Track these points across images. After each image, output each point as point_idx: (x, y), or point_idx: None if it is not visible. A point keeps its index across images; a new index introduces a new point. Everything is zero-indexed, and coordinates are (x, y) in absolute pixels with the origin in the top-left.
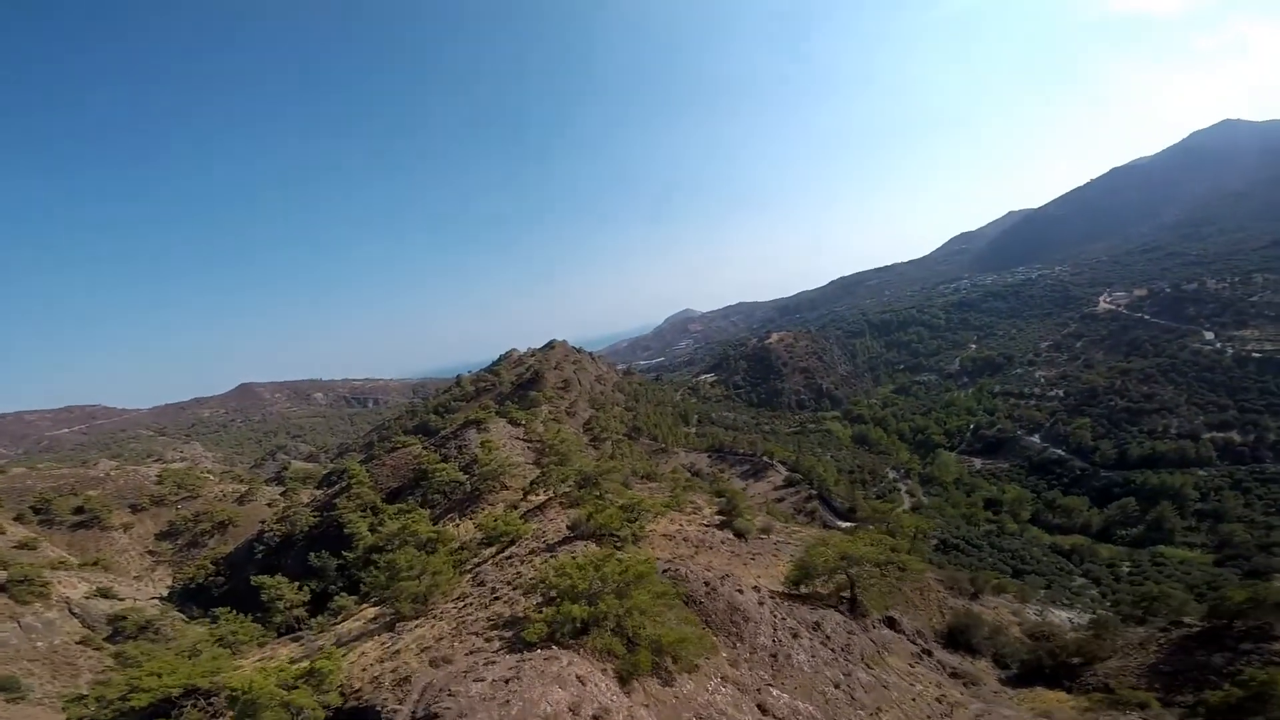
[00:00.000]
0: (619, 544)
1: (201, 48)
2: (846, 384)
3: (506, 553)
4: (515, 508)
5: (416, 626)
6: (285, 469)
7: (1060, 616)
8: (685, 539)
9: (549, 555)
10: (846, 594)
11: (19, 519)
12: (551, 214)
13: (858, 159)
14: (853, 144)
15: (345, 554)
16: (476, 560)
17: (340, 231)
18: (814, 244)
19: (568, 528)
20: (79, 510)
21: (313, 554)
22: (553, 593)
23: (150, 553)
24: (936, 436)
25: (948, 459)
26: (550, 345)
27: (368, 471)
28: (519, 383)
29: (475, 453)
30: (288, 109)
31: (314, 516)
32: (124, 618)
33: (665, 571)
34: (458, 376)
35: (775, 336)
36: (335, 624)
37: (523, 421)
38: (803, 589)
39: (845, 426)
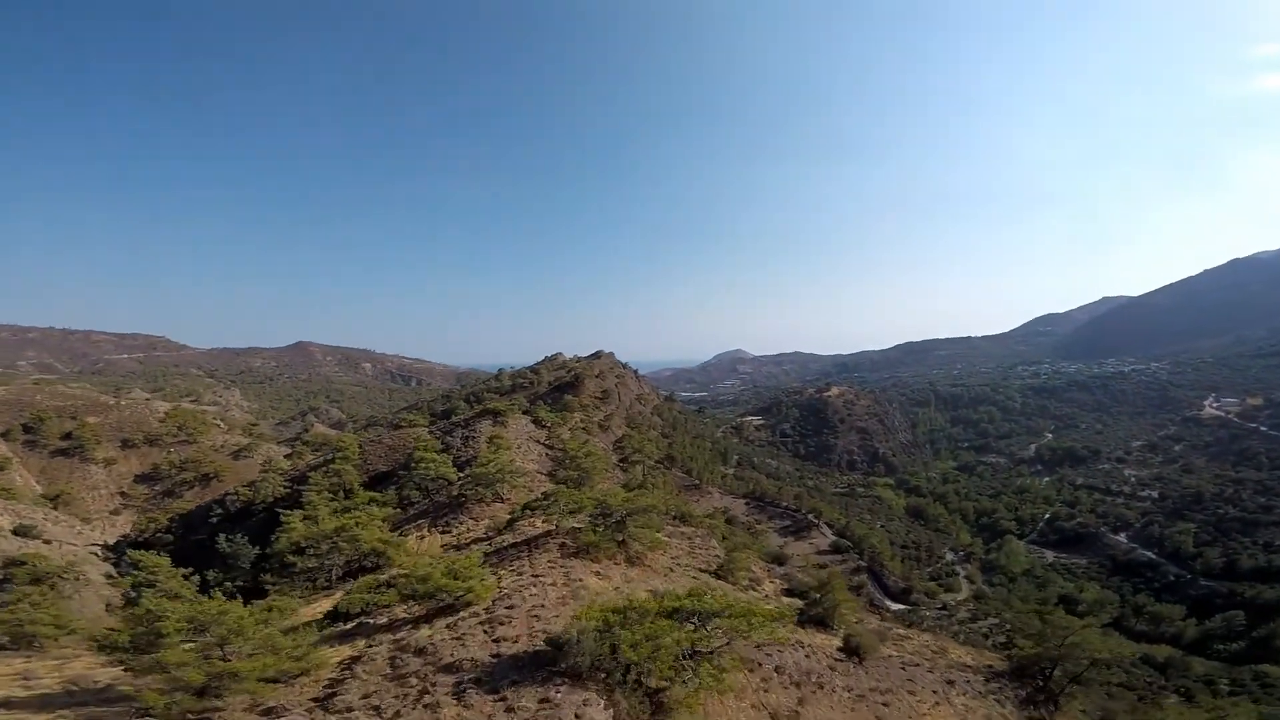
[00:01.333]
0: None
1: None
2: (905, 452)
3: (430, 632)
4: (500, 533)
5: None
6: (305, 431)
7: None
8: (778, 672)
9: (505, 693)
10: None
11: (5, 434)
12: (624, 226)
13: (946, 224)
14: (943, 208)
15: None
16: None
17: (431, 219)
18: (883, 303)
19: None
20: (67, 436)
21: (224, 536)
22: None
23: (123, 494)
24: (1006, 522)
25: (1017, 547)
26: (597, 354)
27: (360, 448)
28: (556, 384)
29: (479, 448)
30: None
31: (284, 487)
32: (22, 563)
33: None
34: (500, 370)
35: (835, 390)
36: None
37: (548, 424)
38: None
39: (899, 496)
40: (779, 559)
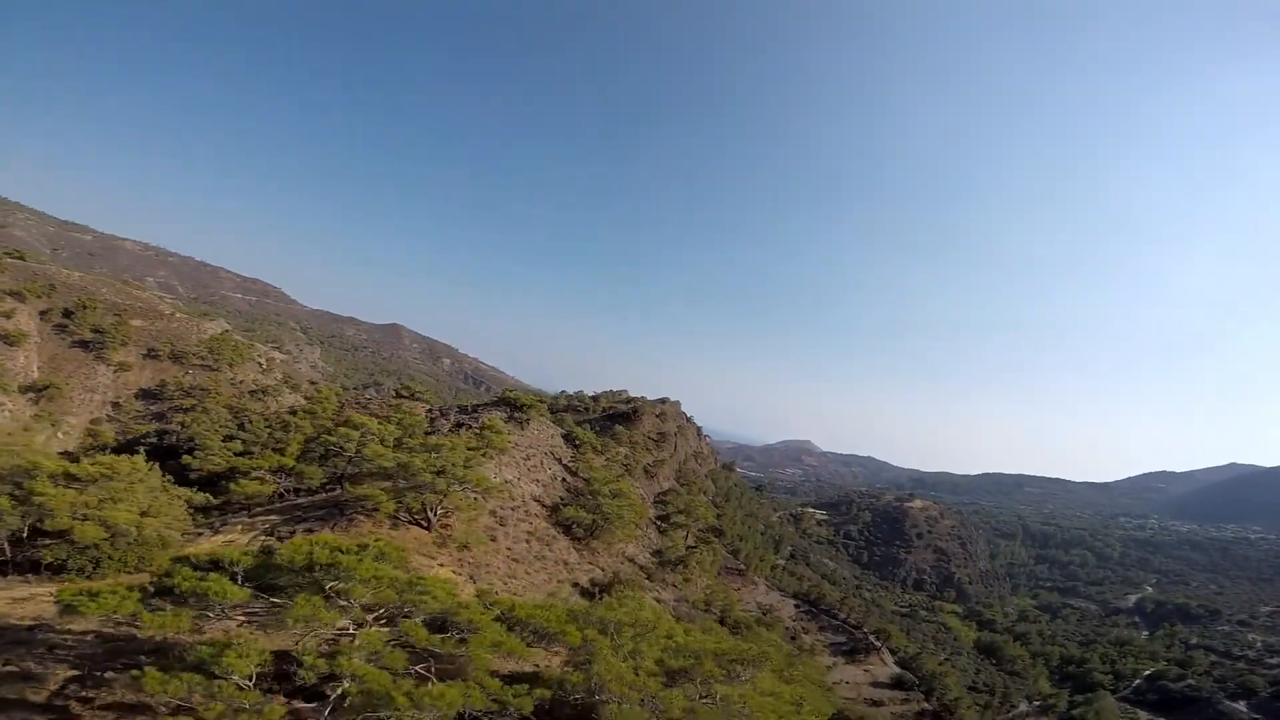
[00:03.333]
0: None
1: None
2: (982, 581)
3: None
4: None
5: None
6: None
7: None
8: None
9: None
10: None
11: (45, 313)
12: (719, 288)
13: (1059, 357)
14: (1060, 340)
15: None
16: None
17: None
18: (972, 426)
19: None
20: (96, 330)
21: None
22: None
23: (114, 405)
24: (1099, 674)
25: (1109, 704)
26: (664, 400)
27: (340, 404)
28: (610, 413)
29: (463, 441)
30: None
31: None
32: None
33: None
34: (561, 392)
35: (919, 503)
36: None
37: (581, 442)
38: None
39: (968, 627)
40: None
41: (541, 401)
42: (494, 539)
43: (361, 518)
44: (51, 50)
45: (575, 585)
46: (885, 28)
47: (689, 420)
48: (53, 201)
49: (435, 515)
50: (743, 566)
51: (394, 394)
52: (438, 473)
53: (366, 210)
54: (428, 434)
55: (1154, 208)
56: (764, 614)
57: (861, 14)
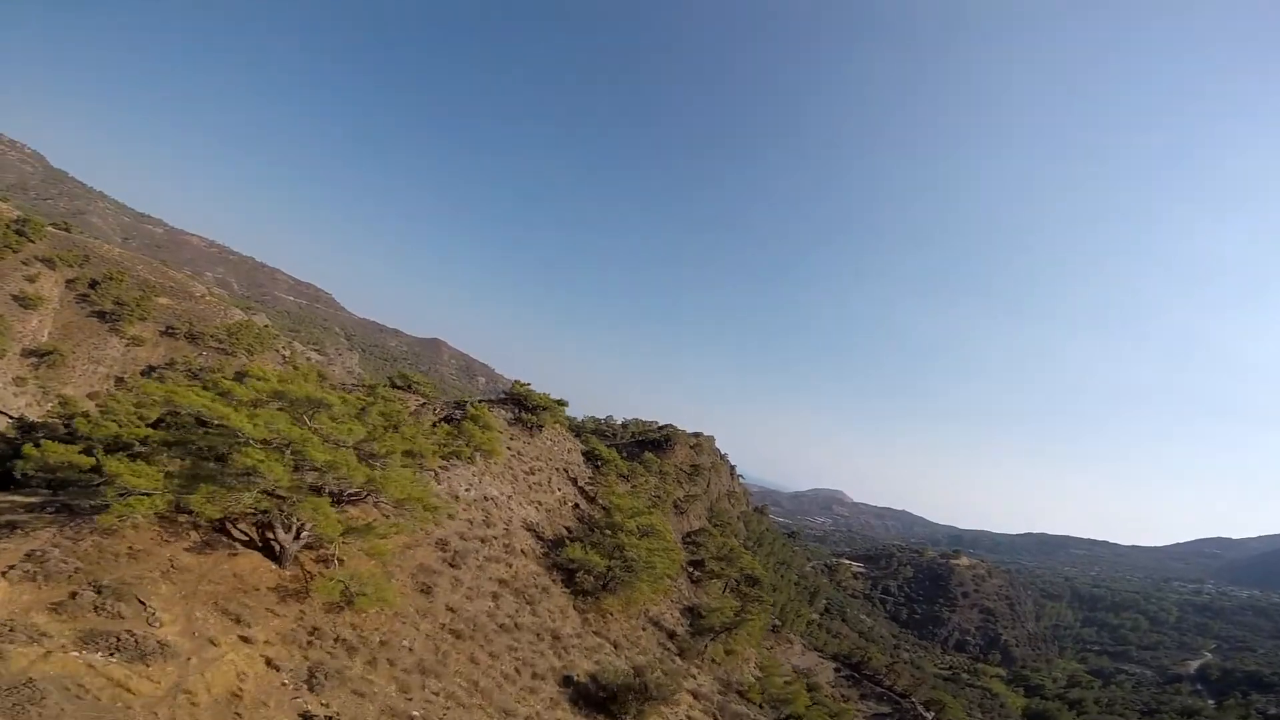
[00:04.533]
0: None
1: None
2: (1030, 644)
3: None
4: None
5: None
6: None
7: None
8: None
9: None
10: None
11: (71, 283)
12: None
13: (1113, 417)
14: (1114, 400)
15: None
16: None
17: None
18: (1011, 484)
19: None
20: (118, 302)
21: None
22: None
23: (118, 380)
24: None
25: None
26: (698, 433)
27: (320, 379)
28: (640, 439)
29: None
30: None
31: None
32: None
33: None
34: (589, 416)
35: (965, 561)
36: None
37: (604, 461)
38: None
39: (1015, 693)
40: None
41: (561, 405)
42: (426, 591)
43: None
44: (143, 51)
45: (566, 684)
46: (960, 75)
47: (722, 457)
48: (132, 193)
49: (298, 536)
50: (778, 623)
51: (389, 383)
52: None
53: (427, 224)
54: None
55: (1226, 269)
56: (800, 678)
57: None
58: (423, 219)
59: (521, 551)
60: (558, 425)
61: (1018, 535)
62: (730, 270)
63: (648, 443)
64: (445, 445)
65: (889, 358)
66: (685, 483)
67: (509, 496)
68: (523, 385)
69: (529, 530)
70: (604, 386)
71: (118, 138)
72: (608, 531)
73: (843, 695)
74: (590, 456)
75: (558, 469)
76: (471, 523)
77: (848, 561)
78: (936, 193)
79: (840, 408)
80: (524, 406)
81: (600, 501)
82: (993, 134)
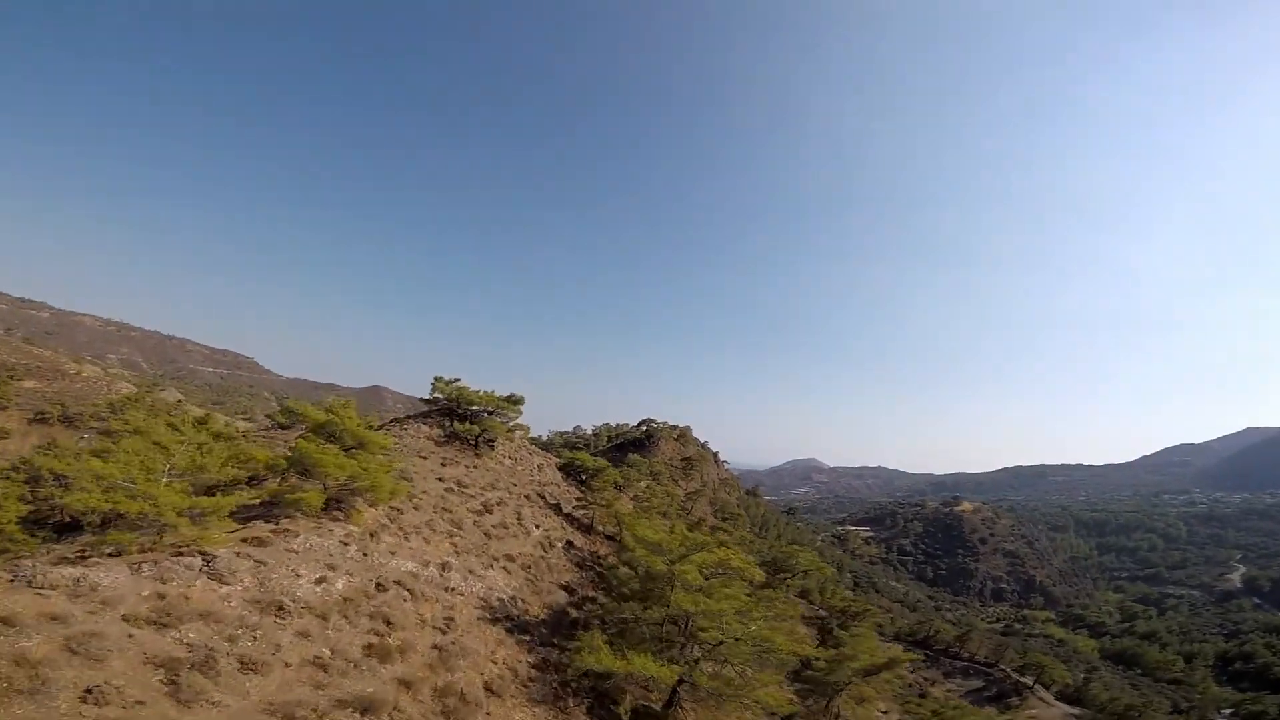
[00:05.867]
0: None
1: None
2: (1064, 581)
3: None
4: None
5: None
6: None
7: None
8: None
9: None
10: None
11: None
12: (702, 316)
13: (1054, 345)
14: (1053, 329)
15: None
16: None
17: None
18: (974, 424)
19: None
20: None
21: None
22: None
23: None
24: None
25: None
26: (677, 426)
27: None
28: (619, 442)
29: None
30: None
31: None
32: None
33: None
34: (553, 431)
35: (969, 506)
36: None
37: (592, 473)
38: None
39: (1077, 635)
40: None
41: (514, 403)
42: None
43: None
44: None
45: None
46: (835, 37)
47: (703, 445)
48: (6, 279)
49: None
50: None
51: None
52: None
53: (341, 274)
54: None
55: (1106, 193)
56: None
57: (800, 24)
58: (336, 268)
59: (487, 687)
60: (514, 436)
61: (995, 472)
62: (657, 262)
63: (628, 444)
64: (259, 490)
65: (832, 322)
66: (681, 479)
67: (445, 566)
68: (448, 383)
69: (495, 619)
70: (554, 403)
71: None
72: (649, 586)
73: (925, 678)
74: (571, 470)
75: (528, 496)
76: (339, 667)
77: (853, 528)
78: (833, 168)
79: (794, 375)
80: (458, 415)
81: (604, 529)
82: (878, 94)
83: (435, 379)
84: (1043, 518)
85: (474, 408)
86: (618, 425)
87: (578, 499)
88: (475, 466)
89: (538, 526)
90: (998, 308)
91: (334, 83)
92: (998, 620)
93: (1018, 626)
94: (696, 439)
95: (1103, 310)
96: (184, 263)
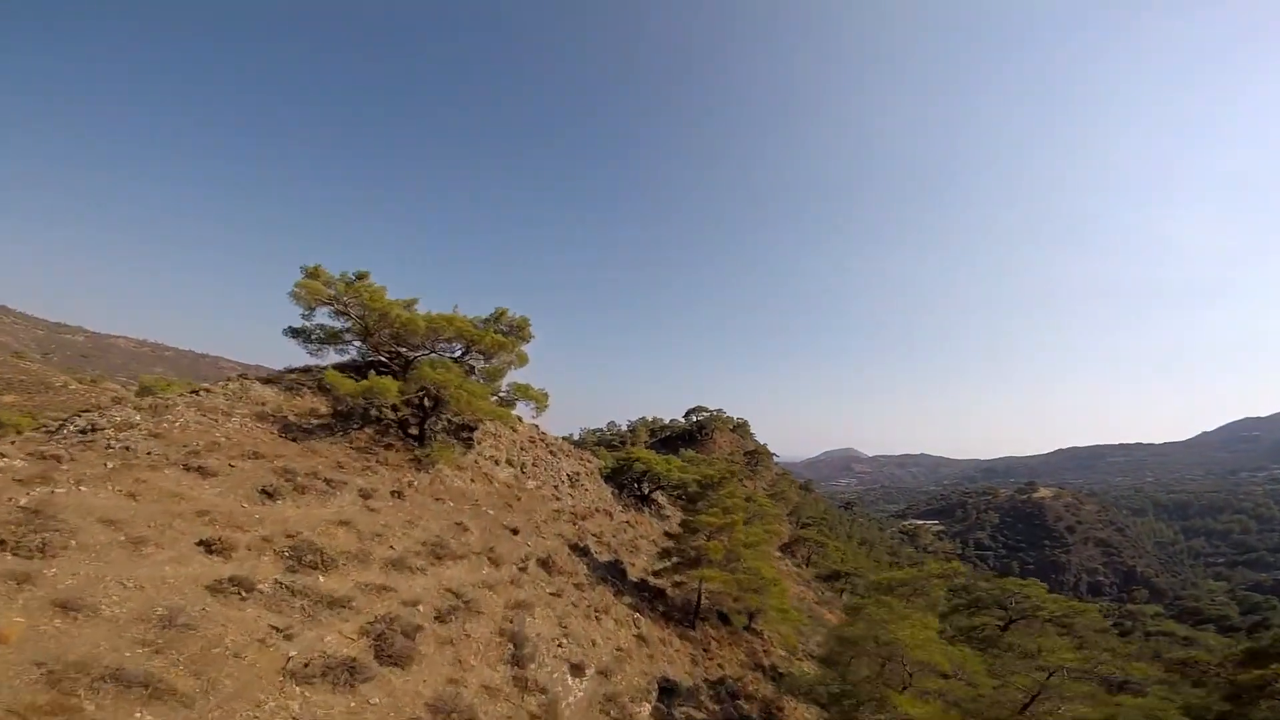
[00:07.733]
0: None
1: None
2: (1167, 570)
3: None
4: None
5: None
6: None
7: None
8: None
9: None
10: None
11: None
12: (735, 309)
13: (1101, 320)
14: (1097, 304)
15: None
16: None
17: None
18: (1018, 408)
19: None
20: None
21: None
22: None
23: None
24: None
25: None
26: (730, 417)
27: None
28: (663, 436)
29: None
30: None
31: None
32: None
33: None
34: (583, 429)
35: (1047, 492)
36: None
37: (694, 488)
38: None
39: (1203, 632)
40: None
41: (518, 333)
42: None
43: None
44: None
45: None
46: (851, 30)
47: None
48: (45, 304)
49: None
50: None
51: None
52: None
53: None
54: None
55: (1128, 169)
56: None
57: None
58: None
59: None
60: (508, 428)
61: (1049, 454)
62: (679, 249)
63: (677, 437)
64: None
65: (860, 311)
66: (753, 477)
67: None
68: (350, 283)
69: None
70: (564, 405)
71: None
72: None
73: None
74: (628, 482)
75: (547, 562)
76: None
77: (920, 522)
78: (847, 157)
79: (828, 363)
80: (378, 365)
81: (733, 561)
82: (891, 80)
83: (304, 270)
84: (1117, 501)
85: (416, 345)
86: (653, 419)
87: (665, 548)
88: (405, 499)
89: (588, 668)
90: (1036, 286)
91: (405, 103)
92: (1105, 615)
93: (1127, 624)
94: (751, 435)
95: (1143, 281)
96: (209, 283)
